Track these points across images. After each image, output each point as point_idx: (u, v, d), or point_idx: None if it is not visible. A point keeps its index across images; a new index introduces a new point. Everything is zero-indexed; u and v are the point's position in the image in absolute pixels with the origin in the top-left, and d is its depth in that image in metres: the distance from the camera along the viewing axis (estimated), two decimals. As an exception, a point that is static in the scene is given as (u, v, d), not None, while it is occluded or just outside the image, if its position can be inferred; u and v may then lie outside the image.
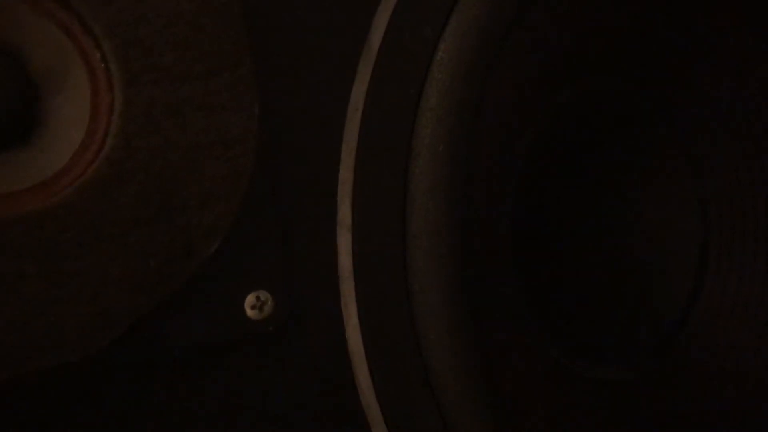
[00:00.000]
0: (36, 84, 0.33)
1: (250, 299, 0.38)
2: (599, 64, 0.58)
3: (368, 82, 0.41)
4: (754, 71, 0.58)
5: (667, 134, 0.61)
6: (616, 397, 0.58)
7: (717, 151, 0.61)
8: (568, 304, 0.60)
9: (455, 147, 0.43)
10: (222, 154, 0.35)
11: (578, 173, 0.60)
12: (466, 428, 0.42)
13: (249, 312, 0.37)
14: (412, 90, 0.42)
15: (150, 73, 0.34)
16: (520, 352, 0.55)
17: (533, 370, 0.55)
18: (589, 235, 0.60)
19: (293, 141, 0.40)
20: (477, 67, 0.43)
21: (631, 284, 0.61)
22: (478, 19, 0.44)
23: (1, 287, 0.31)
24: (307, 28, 0.40)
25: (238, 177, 0.35)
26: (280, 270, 0.38)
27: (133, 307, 0.33)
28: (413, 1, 0.42)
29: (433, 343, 0.42)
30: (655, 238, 0.61)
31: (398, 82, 0.42)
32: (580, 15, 0.53)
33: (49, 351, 0.32)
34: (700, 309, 0.60)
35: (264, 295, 0.38)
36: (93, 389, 0.36)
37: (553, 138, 0.58)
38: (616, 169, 0.61)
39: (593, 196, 0.60)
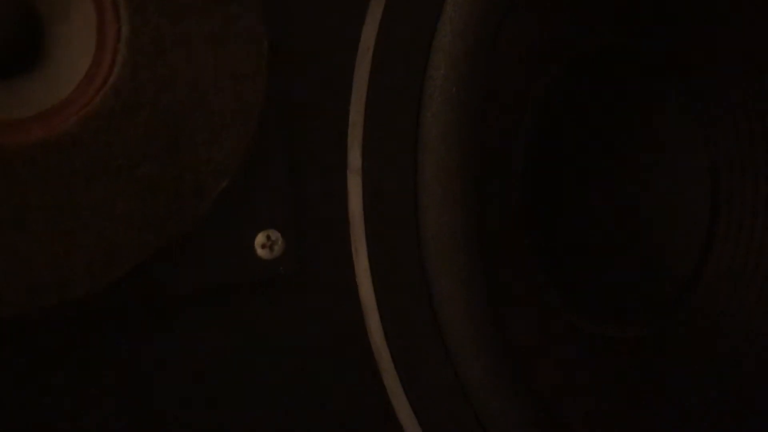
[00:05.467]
0: (40, 12, 0.32)
1: (260, 238, 0.37)
2: (618, 18, 0.57)
3: (380, 21, 0.40)
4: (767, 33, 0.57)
5: (680, 97, 0.60)
6: (627, 354, 0.58)
7: (728, 114, 0.60)
8: (579, 263, 0.59)
9: (469, 90, 0.42)
10: (231, 89, 0.34)
11: (591, 130, 0.59)
12: (476, 374, 0.41)
13: (259, 251, 0.37)
14: (424, 30, 0.41)
15: (157, 4, 0.33)
16: (531, 307, 0.54)
17: (544, 325, 0.55)
18: (600, 194, 0.60)
19: (303, 81, 0.39)
20: (493, 7, 0.42)
21: (642, 244, 0.61)
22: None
23: (4, 220, 0.30)
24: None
25: (247, 113, 0.34)
26: (291, 210, 0.37)
27: (140, 245, 0.33)
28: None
29: (443, 289, 0.41)
30: (666, 199, 0.61)
31: (411, 21, 0.41)
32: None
33: (54, 287, 0.31)
34: (710, 268, 0.60)
35: (274, 234, 0.37)
36: (101, 331, 0.35)
37: (566, 91, 0.57)
38: (629, 129, 0.61)
39: (606, 154, 0.60)
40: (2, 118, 0.30)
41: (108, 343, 0.35)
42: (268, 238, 0.37)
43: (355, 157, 0.40)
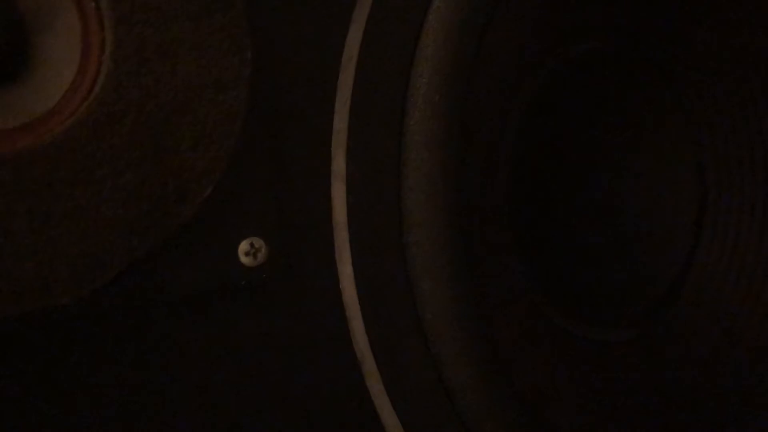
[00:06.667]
0: (25, 23, 0.33)
1: (243, 246, 0.37)
2: (600, 23, 0.58)
3: (363, 31, 0.41)
4: (753, 33, 0.58)
5: (667, 97, 0.61)
6: (614, 357, 0.58)
7: (715, 114, 0.60)
8: (564, 266, 0.60)
9: (452, 98, 0.42)
10: (215, 97, 0.35)
11: (577, 132, 0.60)
12: (460, 377, 0.42)
13: (243, 258, 0.37)
14: (408, 39, 0.42)
15: (141, 13, 0.33)
16: (516, 310, 0.55)
17: (530, 329, 0.55)
18: (587, 195, 0.60)
19: (288, 88, 0.40)
20: (474, 16, 0.42)
21: (628, 246, 0.61)
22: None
23: (-9, 227, 0.31)
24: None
25: (231, 120, 0.35)
26: (275, 217, 0.38)
27: (125, 250, 0.33)
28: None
29: (427, 293, 0.41)
30: (653, 200, 0.61)
31: (394, 30, 0.41)
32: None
33: (39, 292, 0.32)
34: (696, 269, 0.61)
35: (258, 242, 0.37)
36: (85, 336, 0.35)
37: (551, 95, 0.57)
38: (615, 130, 0.61)
39: (592, 156, 0.60)
40: (-12, 128, 0.30)
41: (91, 348, 0.35)
42: (252, 245, 0.37)
43: (339, 164, 0.41)
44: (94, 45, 0.33)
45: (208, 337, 0.37)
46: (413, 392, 0.41)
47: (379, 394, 0.41)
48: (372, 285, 0.40)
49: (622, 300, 0.61)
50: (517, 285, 0.56)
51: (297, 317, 0.39)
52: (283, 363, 0.39)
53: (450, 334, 0.42)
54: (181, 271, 0.36)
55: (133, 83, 0.33)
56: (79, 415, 0.35)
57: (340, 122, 0.41)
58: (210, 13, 0.34)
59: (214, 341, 0.37)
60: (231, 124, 0.35)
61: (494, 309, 0.51)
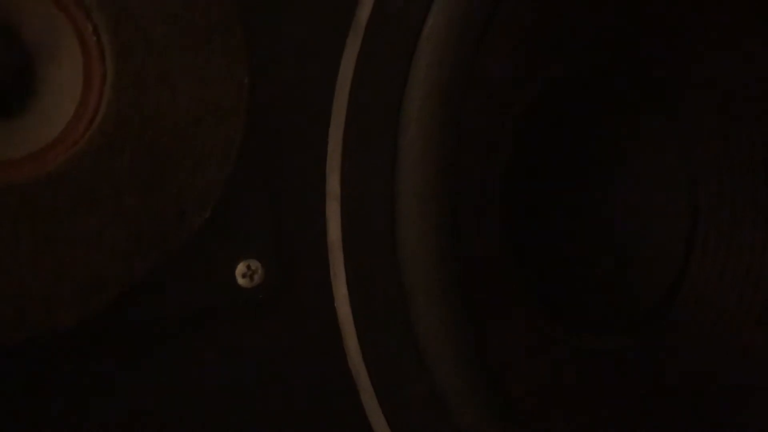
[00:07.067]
0: (30, 56, 0.34)
1: (240, 268, 0.38)
2: (590, 40, 0.59)
3: (356, 56, 0.42)
4: (740, 46, 0.59)
5: (657, 112, 0.61)
6: (607, 366, 0.59)
7: (706, 129, 0.61)
8: (559, 277, 0.60)
9: (443, 120, 0.43)
10: (213, 124, 0.36)
11: (568, 148, 0.61)
12: (455, 395, 0.43)
13: (240, 280, 0.38)
14: (400, 64, 0.43)
15: (141, 45, 0.34)
16: (510, 322, 0.56)
17: (524, 340, 0.56)
18: (580, 207, 0.61)
19: (283, 112, 0.41)
20: (464, 41, 0.43)
21: (622, 256, 0.62)
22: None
23: (-4, 253, 0.32)
24: (296, 4, 0.41)
25: (229, 145, 0.36)
26: (270, 240, 0.39)
27: (126, 272, 0.34)
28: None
29: (420, 309, 0.42)
30: (645, 212, 0.62)
31: (386, 56, 0.42)
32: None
33: (44, 315, 0.33)
34: (690, 279, 0.61)
35: (254, 264, 0.39)
36: (83, 358, 0.36)
37: (543, 112, 0.58)
38: (607, 144, 0.62)
39: (584, 170, 0.61)
40: (-5, 160, 0.32)
41: (88, 370, 0.36)
42: (249, 267, 0.38)
43: (333, 184, 0.42)
44: (96, 75, 0.34)
45: (205, 357, 0.38)
46: (407, 408, 0.42)
47: (374, 410, 0.42)
48: (367, 304, 0.41)
49: (615, 309, 0.61)
50: (511, 297, 0.56)
51: (293, 336, 0.40)
52: (279, 380, 0.40)
53: (443, 349, 0.43)
54: (180, 293, 0.37)
55: (134, 112, 0.34)
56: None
57: (335, 144, 0.42)
58: (209, 42, 0.36)
59: (211, 361, 0.38)
60: (228, 150, 0.36)
61: (489, 320, 0.52)
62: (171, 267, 0.36)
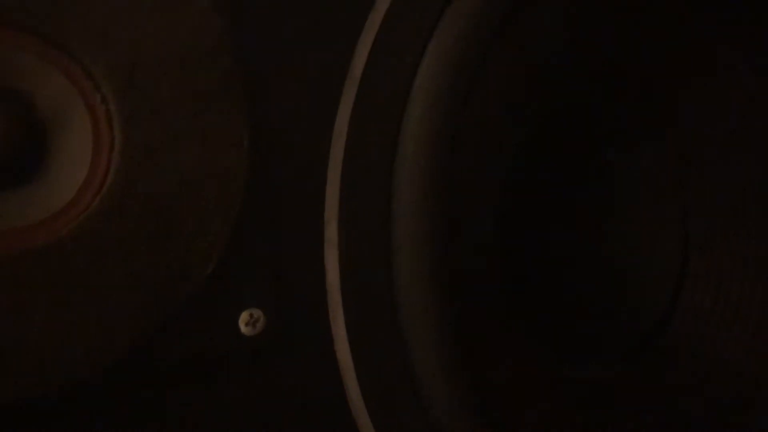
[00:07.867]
0: (42, 125, 0.36)
1: (244, 317, 0.40)
2: (585, 74, 0.60)
3: (352, 108, 0.44)
4: (739, 83, 0.60)
5: (652, 144, 0.63)
6: (602, 396, 0.60)
7: (698, 161, 0.62)
8: (552, 308, 0.62)
9: (436, 167, 0.45)
10: (215, 183, 0.38)
11: (562, 179, 0.62)
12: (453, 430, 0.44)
13: (243, 329, 0.40)
14: (393, 115, 0.44)
15: (147, 112, 0.36)
16: (507, 358, 0.57)
17: (521, 376, 0.57)
18: (572, 239, 0.62)
19: (282, 165, 0.42)
20: (455, 92, 0.45)
21: (614, 287, 0.63)
22: (457, 41, 0.46)
23: (11, 313, 0.34)
24: (292, 61, 0.43)
25: (230, 205, 0.38)
26: (272, 289, 0.41)
27: (134, 329, 0.36)
28: (392, 32, 0.44)
29: (420, 354, 0.44)
30: (637, 242, 0.63)
31: (380, 107, 0.44)
32: (563, 27, 0.55)
33: (59, 371, 0.35)
34: (681, 309, 0.62)
35: (257, 312, 0.40)
36: (91, 409, 0.38)
37: (537, 148, 0.60)
38: (599, 176, 0.63)
39: (578, 202, 0.62)
40: (9, 228, 0.34)
41: (97, 421, 0.38)
42: (251, 316, 0.40)
43: (332, 232, 0.44)
44: (105, 142, 0.36)
45: (209, 405, 0.40)
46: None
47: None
48: (366, 347, 0.43)
49: (606, 340, 0.62)
50: (506, 330, 0.58)
51: (294, 381, 0.42)
52: (280, 422, 0.42)
53: (442, 388, 0.44)
54: (186, 341, 0.39)
55: (141, 175, 0.36)
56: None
57: (332, 193, 0.44)
58: (211, 108, 0.38)
59: (214, 408, 0.40)
60: (231, 206, 0.38)
61: (485, 361, 0.53)
62: (176, 317, 0.38)
